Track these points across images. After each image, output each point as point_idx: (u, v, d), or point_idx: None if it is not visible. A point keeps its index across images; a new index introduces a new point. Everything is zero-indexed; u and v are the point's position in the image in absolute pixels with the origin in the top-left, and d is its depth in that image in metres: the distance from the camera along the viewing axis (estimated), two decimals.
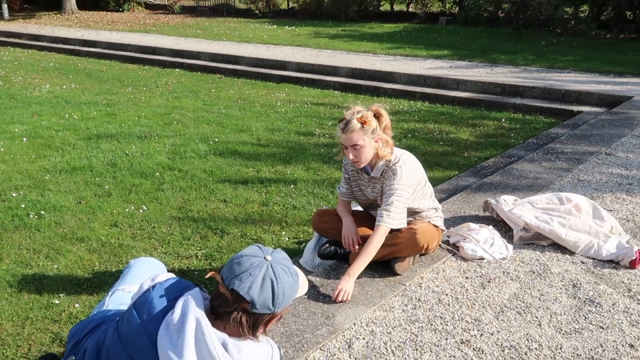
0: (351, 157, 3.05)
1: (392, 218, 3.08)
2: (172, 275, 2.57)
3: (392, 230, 3.14)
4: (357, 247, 3.17)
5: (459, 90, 9.94)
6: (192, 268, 3.90)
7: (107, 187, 5.34)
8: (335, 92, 10.35)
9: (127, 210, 4.81)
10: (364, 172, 3.27)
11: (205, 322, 1.67)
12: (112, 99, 9.37)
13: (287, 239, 4.33)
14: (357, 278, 3.13)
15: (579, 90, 9.12)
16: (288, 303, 1.77)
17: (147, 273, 2.45)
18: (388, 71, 10.86)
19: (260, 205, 4.98)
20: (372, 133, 3.05)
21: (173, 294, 1.81)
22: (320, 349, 2.58)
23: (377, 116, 3.12)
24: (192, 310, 1.68)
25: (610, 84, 9.83)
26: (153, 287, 1.87)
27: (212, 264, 3.95)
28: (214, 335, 1.66)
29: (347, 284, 2.99)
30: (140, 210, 4.80)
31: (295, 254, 3.88)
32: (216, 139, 6.98)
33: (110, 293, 2.38)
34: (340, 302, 2.95)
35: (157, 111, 8.48)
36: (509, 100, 9.20)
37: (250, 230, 4.46)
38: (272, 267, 1.70)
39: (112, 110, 8.52)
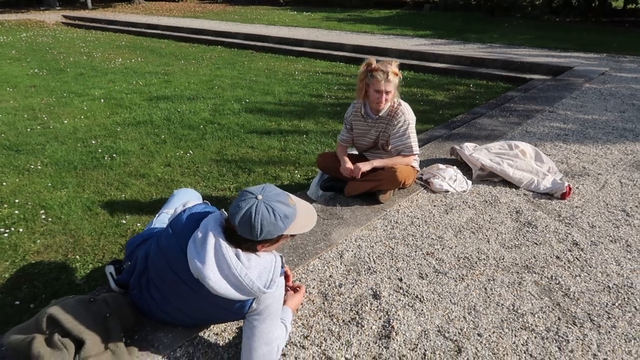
0: (383, 100, 2.98)
1: (414, 147, 3.12)
2: (200, 201, 2.56)
3: (375, 169, 3.08)
4: (353, 177, 3.11)
5: (438, 62, 9.64)
6: (226, 197, 3.88)
7: (163, 136, 5.29)
8: (341, 63, 10.09)
9: (177, 154, 4.77)
10: (369, 116, 3.17)
11: (222, 238, 1.64)
12: (169, 69, 9.20)
13: (299, 176, 4.28)
14: (350, 205, 3.10)
15: (531, 62, 8.80)
16: (273, 235, 1.62)
17: (185, 200, 2.43)
18: (383, 47, 10.54)
19: (280, 150, 4.91)
20: (398, 86, 3.03)
21: (199, 216, 1.78)
22: (319, 258, 2.57)
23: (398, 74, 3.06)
24: (212, 229, 1.65)
25: (557, 57, 9.48)
26: (184, 211, 1.84)
27: None
28: (229, 247, 1.63)
29: (364, 165, 3.01)
30: (188, 154, 4.76)
31: (303, 188, 3.85)
32: (247, 100, 6.86)
33: (157, 215, 2.36)
34: (351, 176, 3.02)
35: (203, 79, 8.33)
36: (476, 69, 8.91)
37: (271, 169, 4.41)
38: (256, 205, 1.58)
39: (168, 78, 8.38)
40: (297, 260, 2.51)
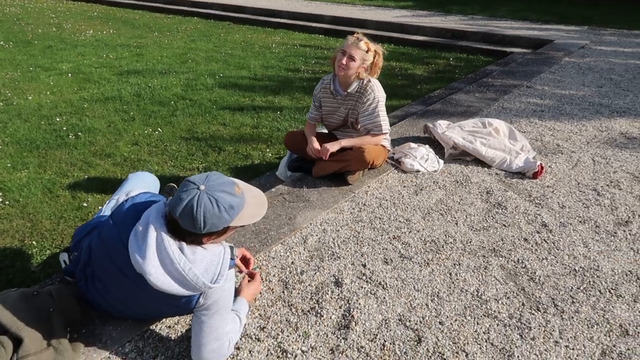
0: (343, 62, 2.86)
1: (383, 126, 3.01)
2: (157, 186, 2.44)
3: (344, 149, 2.98)
4: (321, 158, 3.00)
5: (418, 34, 9.46)
6: None
7: (132, 113, 5.10)
8: (320, 36, 9.86)
9: (146, 132, 4.61)
10: (337, 93, 3.06)
11: (164, 230, 1.53)
12: (142, 42, 8.89)
13: (271, 154, 4.17)
14: (317, 187, 3.00)
15: (512, 35, 8.69)
16: (218, 227, 1.51)
17: (140, 185, 2.31)
18: (362, 19, 10.32)
19: (252, 127, 4.78)
20: (366, 60, 2.90)
21: (142, 206, 1.67)
22: (282, 243, 2.48)
23: (375, 55, 2.94)
24: (153, 221, 1.54)
25: (538, 30, 9.37)
26: (126, 200, 1.73)
27: None
28: (171, 241, 1.53)
29: (332, 145, 2.93)
30: (157, 132, 4.61)
31: (274, 167, 3.74)
32: (221, 75, 6.66)
33: (108, 202, 2.24)
34: (318, 157, 2.95)
35: (177, 52, 8.07)
36: (457, 42, 8.78)
37: (242, 148, 4.29)
38: (198, 196, 1.47)
39: (141, 51, 8.09)
40: (259, 246, 2.42)
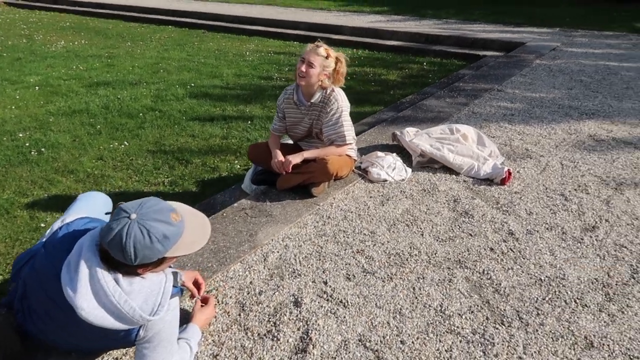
0: (302, 69, 2.78)
1: (347, 136, 2.93)
2: (109, 207, 2.32)
3: (307, 161, 2.90)
4: (284, 172, 2.92)
5: (393, 39, 9.45)
6: (159, 192, 3.65)
7: (98, 126, 4.97)
8: (295, 43, 9.79)
9: (112, 146, 4.49)
10: (301, 103, 2.98)
11: (98, 261, 1.43)
12: (113, 52, 8.73)
13: (239, 166, 4.08)
14: (281, 200, 2.92)
15: (485, 38, 8.73)
16: (152, 259, 1.41)
17: (87, 208, 2.19)
18: (338, 25, 10.28)
19: (221, 138, 4.68)
20: (326, 67, 2.82)
21: (77, 233, 1.57)
22: (241, 262, 2.39)
23: (337, 61, 2.87)
24: (86, 251, 1.44)
25: (510, 32, 9.43)
26: (60, 227, 1.62)
27: (176, 189, 3.71)
28: (105, 272, 1.42)
29: (295, 158, 2.85)
30: (123, 146, 4.48)
31: (243, 179, 3.64)
32: (193, 84, 6.55)
33: (52, 226, 2.12)
34: (282, 171, 2.87)
35: (149, 62, 7.93)
36: (431, 47, 8.78)
37: (210, 160, 4.19)
38: (128, 226, 1.37)
39: (112, 61, 7.94)
40: (217, 266, 2.32)
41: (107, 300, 1.42)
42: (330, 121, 2.91)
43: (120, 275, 1.44)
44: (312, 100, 2.93)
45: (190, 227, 1.50)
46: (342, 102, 2.92)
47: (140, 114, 5.33)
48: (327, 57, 2.80)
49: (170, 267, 1.77)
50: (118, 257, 1.40)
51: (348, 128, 2.94)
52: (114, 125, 5.02)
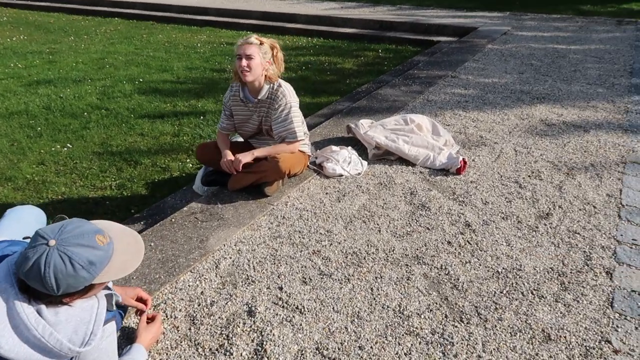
0: (244, 64, 2.64)
1: (297, 132, 2.82)
2: (43, 223, 2.14)
3: (258, 159, 2.78)
4: (234, 172, 2.79)
5: (347, 27, 9.36)
6: (106, 196, 3.46)
7: (39, 129, 4.68)
8: (248, 32, 9.52)
9: (54, 149, 4.23)
10: (248, 101, 2.85)
11: (16, 291, 1.29)
12: (56, 47, 8.29)
13: (191, 165, 3.91)
14: (233, 202, 2.80)
15: (438, 23, 8.75)
16: (77, 287, 1.28)
17: (17, 225, 2.01)
18: (291, 13, 10.10)
19: (172, 136, 4.49)
20: (264, 54, 2.70)
21: None
22: (191, 271, 2.26)
23: (272, 47, 2.76)
24: (2, 283, 1.29)
25: (463, 17, 9.50)
26: None
27: (124, 192, 3.52)
28: (25, 304, 1.28)
29: (245, 157, 2.73)
30: (66, 148, 4.23)
31: (194, 179, 3.49)
32: (141, 79, 6.28)
33: None
34: (232, 171, 2.76)
35: (94, 57, 7.56)
36: (385, 34, 8.75)
37: (160, 159, 4.00)
38: (47, 254, 1.23)
39: (54, 58, 7.52)
40: (165, 277, 2.19)
41: (29, 334, 1.28)
42: (279, 118, 2.80)
43: (43, 306, 1.30)
44: (260, 97, 2.81)
45: (121, 248, 1.37)
46: (289, 97, 2.81)
47: (85, 114, 5.06)
48: (261, 44, 2.70)
49: (108, 287, 1.64)
50: (38, 288, 1.26)
51: (298, 124, 2.83)
52: (56, 126, 4.74)
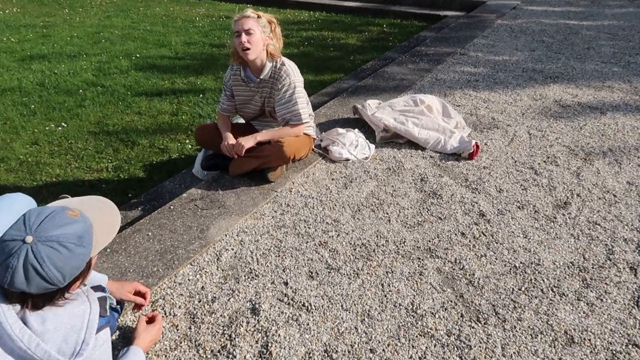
0: (244, 40, 2.45)
1: (302, 114, 2.65)
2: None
3: (261, 143, 2.63)
4: (235, 156, 2.64)
5: (351, 0, 9.05)
6: (102, 178, 3.32)
7: (33, 106, 4.50)
8: (248, 5, 9.22)
9: (48, 128, 4.07)
10: (250, 80, 2.69)
11: None
12: (50, 20, 8.02)
13: (190, 146, 3.76)
14: (235, 188, 2.66)
15: None
16: (80, 268, 1.22)
17: (9, 214, 1.87)
18: None
19: (171, 115, 4.32)
20: (264, 27, 2.51)
21: None
22: (191, 264, 2.14)
23: (270, 22, 2.57)
24: None
25: None
26: None
27: (121, 175, 3.37)
28: (8, 312, 1.16)
29: (247, 141, 2.57)
30: (60, 128, 4.07)
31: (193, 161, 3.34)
32: (138, 55, 6.06)
33: None
34: (234, 155, 2.60)
35: (89, 30, 7.31)
36: (390, 8, 8.46)
37: (158, 140, 3.85)
38: (32, 251, 1.13)
39: (48, 31, 7.27)
40: (163, 270, 2.07)
41: (14, 345, 1.16)
42: (282, 99, 2.64)
43: (28, 313, 1.18)
44: (262, 76, 2.64)
45: (93, 213, 1.29)
46: (294, 77, 2.64)
47: (80, 91, 4.88)
48: (259, 17, 2.52)
49: (102, 288, 1.52)
50: (40, 291, 1.16)
51: (303, 105, 2.67)
52: (50, 104, 4.56)
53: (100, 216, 1.34)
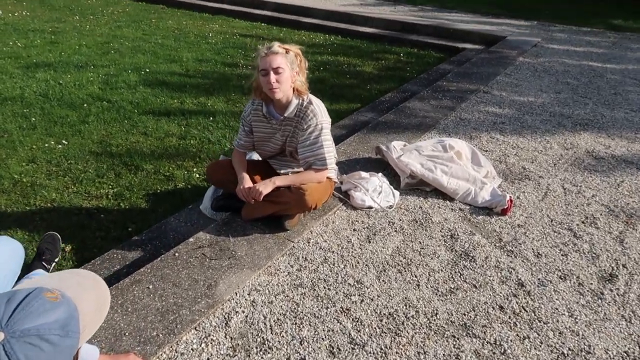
0: (273, 80, 2.24)
1: (327, 159, 2.42)
2: (17, 263, 1.77)
3: (280, 188, 2.40)
4: (251, 201, 2.40)
5: (367, 26, 8.92)
6: (101, 207, 3.07)
7: (33, 119, 4.28)
8: (262, 24, 9.11)
9: (47, 144, 3.84)
10: (272, 117, 2.46)
11: None
12: (59, 27, 7.85)
13: (198, 175, 3.53)
14: (247, 235, 2.41)
15: (463, 29, 8.32)
16: (71, 355, 0.99)
17: None
18: (307, 6, 9.65)
19: (179, 138, 4.09)
20: (292, 64, 2.30)
21: None
22: (195, 328, 1.88)
23: (296, 55, 2.35)
24: None
25: (489, 24, 9.06)
26: None
27: (122, 204, 3.13)
28: None
29: (265, 186, 2.32)
30: (61, 145, 3.84)
31: (202, 193, 3.08)
32: (147, 69, 5.86)
33: None
34: (250, 200, 2.36)
35: (98, 40, 7.13)
36: (407, 36, 8.31)
37: (164, 165, 3.61)
38: (5, 351, 0.90)
39: (56, 38, 7.09)
40: (164, 335, 1.81)
41: None
42: (307, 140, 2.41)
43: None
44: (287, 114, 2.41)
45: (75, 290, 1.06)
46: (321, 117, 2.41)
47: (85, 105, 4.66)
48: (287, 53, 2.31)
49: None
50: None
51: (329, 149, 2.44)
52: (52, 117, 4.34)
53: (82, 294, 1.11)
